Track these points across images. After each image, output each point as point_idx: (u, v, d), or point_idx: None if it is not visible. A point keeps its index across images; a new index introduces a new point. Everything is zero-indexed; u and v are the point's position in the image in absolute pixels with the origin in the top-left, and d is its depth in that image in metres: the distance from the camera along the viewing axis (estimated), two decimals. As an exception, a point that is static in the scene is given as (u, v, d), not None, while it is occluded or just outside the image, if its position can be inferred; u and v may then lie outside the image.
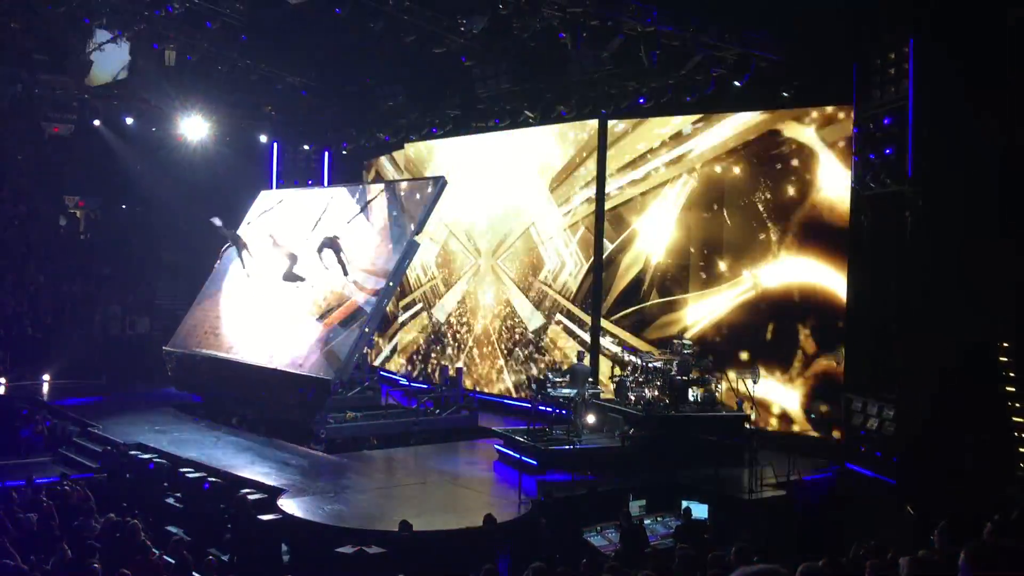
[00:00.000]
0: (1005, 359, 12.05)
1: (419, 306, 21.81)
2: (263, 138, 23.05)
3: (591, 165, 17.73)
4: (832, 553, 5.86)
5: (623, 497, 11.25)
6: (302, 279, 17.33)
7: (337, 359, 15.41)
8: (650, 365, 14.46)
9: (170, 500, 12.43)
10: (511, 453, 14.04)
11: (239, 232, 19.24)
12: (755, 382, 13.93)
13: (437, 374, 19.60)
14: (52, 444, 16.17)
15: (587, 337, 17.62)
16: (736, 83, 14.12)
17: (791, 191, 15.26)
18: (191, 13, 15.72)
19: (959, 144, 12.12)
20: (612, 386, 15.54)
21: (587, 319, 17.69)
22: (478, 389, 19.09)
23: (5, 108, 19.66)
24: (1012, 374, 11.94)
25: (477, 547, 9.71)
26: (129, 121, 21.33)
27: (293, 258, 17.60)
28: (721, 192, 16.09)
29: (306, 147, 24.00)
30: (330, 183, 23.40)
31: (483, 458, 14.83)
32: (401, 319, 22.36)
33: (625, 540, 9.80)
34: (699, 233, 16.39)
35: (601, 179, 17.57)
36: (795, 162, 15.20)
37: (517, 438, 14.16)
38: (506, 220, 19.50)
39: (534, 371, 18.48)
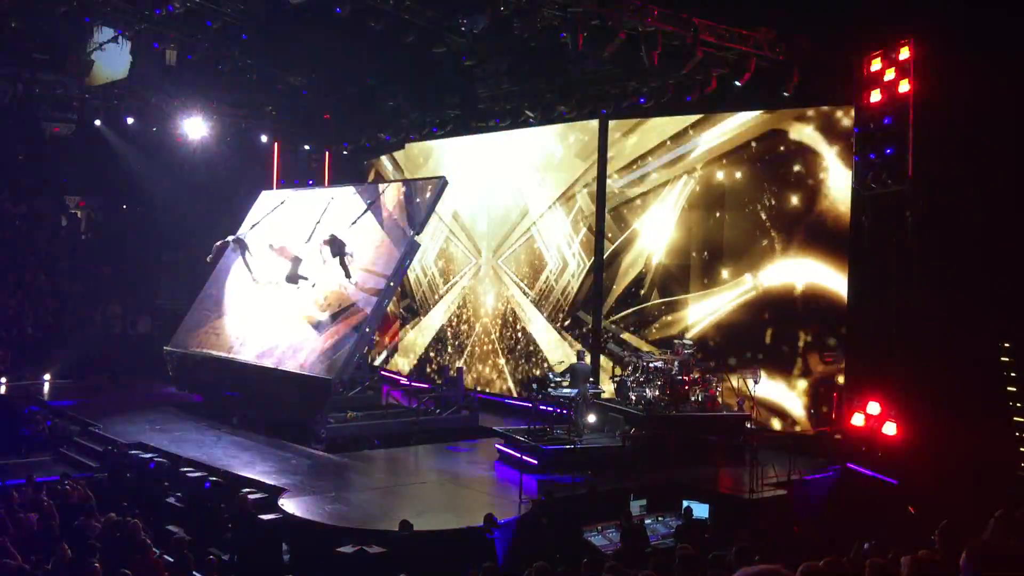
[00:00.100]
0: (1005, 359, 12.05)
1: (419, 306, 21.81)
2: (263, 138, 23.06)
3: (592, 165, 17.73)
4: (832, 553, 5.85)
5: (624, 497, 11.25)
6: (305, 278, 17.33)
7: (337, 359, 15.41)
8: (651, 365, 14.47)
9: (171, 499, 12.43)
10: (512, 452, 14.04)
11: (243, 235, 19.23)
12: (756, 382, 13.94)
13: (437, 374, 19.63)
14: (53, 443, 16.17)
15: (588, 337, 17.63)
16: (736, 83, 14.11)
17: (792, 191, 15.25)
18: (192, 13, 15.70)
19: (959, 143, 12.11)
20: (613, 386, 15.55)
21: (588, 319, 17.69)
22: (478, 389, 19.10)
23: (5, 108, 19.66)
24: (1012, 374, 11.95)
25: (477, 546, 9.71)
26: (130, 121, 21.33)
27: (296, 260, 17.60)
28: (722, 192, 16.09)
29: (306, 147, 24.00)
30: (331, 183, 23.40)
31: (484, 457, 14.83)
32: (402, 319, 22.36)
33: (626, 540, 9.80)
34: (700, 233, 16.38)
35: (602, 179, 17.56)
36: (796, 162, 15.19)
37: (518, 437, 14.16)
38: (507, 220, 19.50)
39: (535, 371, 18.48)
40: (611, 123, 17.44)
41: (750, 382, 13.88)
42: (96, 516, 9.89)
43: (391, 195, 17.59)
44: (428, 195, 16.88)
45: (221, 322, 18.52)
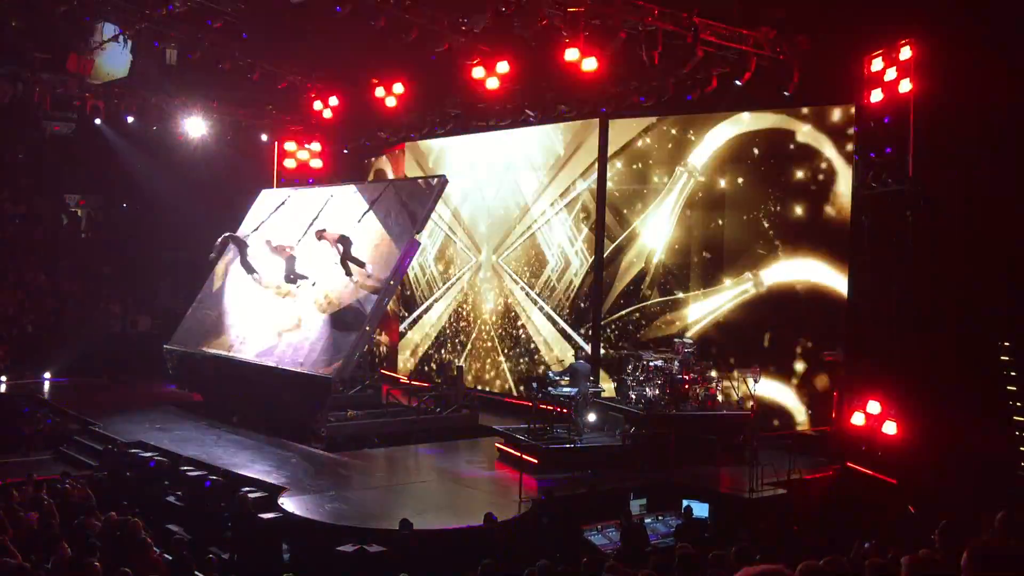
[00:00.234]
0: (1005, 359, 12.06)
1: (419, 305, 21.80)
2: (264, 137, 23.05)
3: (592, 164, 17.72)
4: (832, 553, 5.86)
5: (624, 496, 11.26)
6: (305, 277, 17.32)
7: (337, 358, 15.40)
8: (651, 364, 14.46)
9: (171, 498, 12.42)
10: (512, 452, 14.04)
11: (243, 235, 19.21)
12: (756, 381, 13.93)
13: (437, 372, 19.62)
14: (53, 442, 16.17)
15: (588, 336, 17.62)
16: (737, 82, 14.12)
17: (792, 190, 15.24)
18: (192, 11, 15.70)
19: (960, 143, 12.12)
20: (613, 385, 15.55)
21: (589, 318, 17.68)
22: (479, 387, 19.10)
23: (5, 107, 19.65)
24: (1012, 374, 11.96)
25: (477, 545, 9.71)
26: (130, 120, 21.30)
27: (292, 258, 17.59)
28: (722, 191, 16.09)
29: (306, 146, 23.98)
30: (330, 182, 23.37)
31: (485, 457, 14.84)
32: (401, 318, 22.35)
33: (625, 539, 9.81)
34: (700, 232, 16.38)
35: (602, 178, 17.55)
36: (796, 161, 15.18)
37: (518, 437, 14.16)
38: (507, 218, 19.49)
39: (535, 370, 18.47)
40: (611, 122, 17.44)
41: (750, 381, 13.87)
42: (96, 515, 9.89)
43: (391, 194, 17.58)
44: (428, 194, 16.86)
45: (221, 321, 18.52)
